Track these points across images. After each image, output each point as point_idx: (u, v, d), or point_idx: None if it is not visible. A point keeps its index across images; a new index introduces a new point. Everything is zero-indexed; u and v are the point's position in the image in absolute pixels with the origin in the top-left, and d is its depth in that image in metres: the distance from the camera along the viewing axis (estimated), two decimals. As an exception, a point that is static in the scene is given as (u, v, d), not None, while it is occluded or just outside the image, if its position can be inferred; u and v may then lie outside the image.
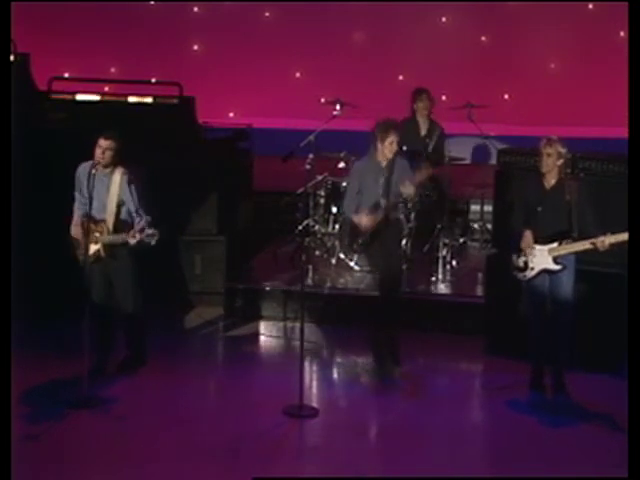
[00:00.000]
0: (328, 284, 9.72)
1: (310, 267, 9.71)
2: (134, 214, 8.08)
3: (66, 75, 13.97)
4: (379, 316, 8.63)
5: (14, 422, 7.36)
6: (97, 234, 8.03)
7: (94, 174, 7.96)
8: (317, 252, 10.00)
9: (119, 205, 8.06)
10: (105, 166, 8.04)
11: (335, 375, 8.84)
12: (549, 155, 7.88)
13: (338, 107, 10.46)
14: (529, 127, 13.21)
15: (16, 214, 9.95)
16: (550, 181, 7.96)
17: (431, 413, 8.11)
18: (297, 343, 8.59)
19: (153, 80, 13.98)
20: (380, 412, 8.11)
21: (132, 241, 7.84)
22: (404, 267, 9.38)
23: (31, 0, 13.55)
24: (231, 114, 14.35)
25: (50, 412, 7.67)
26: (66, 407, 7.71)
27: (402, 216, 9.27)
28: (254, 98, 14.06)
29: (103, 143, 8.01)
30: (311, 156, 9.19)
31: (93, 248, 8.08)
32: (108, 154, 8.01)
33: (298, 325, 9.05)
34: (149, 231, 7.81)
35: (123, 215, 8.09)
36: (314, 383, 8.46)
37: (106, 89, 13.30)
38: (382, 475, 6.94)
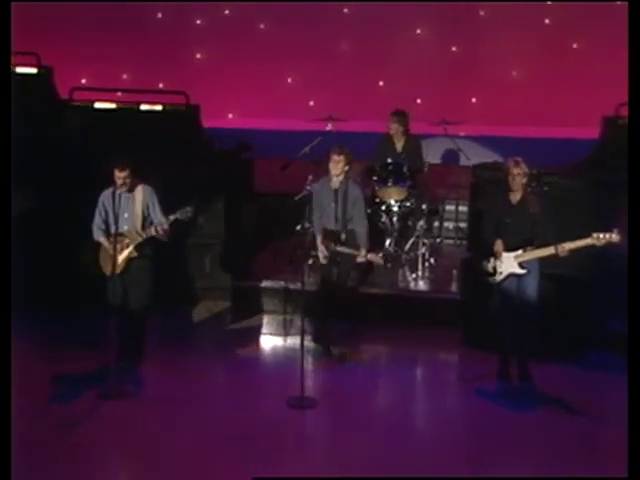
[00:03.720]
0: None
1: (307, 266, 9.57)
2: (154, 218, 8.11)
3: (83, 81, 13.89)
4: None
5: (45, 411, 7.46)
6: (127, 240, 8.04)
7: (119, 195, 8.03)
8: (313, 252, 9.79)
9: (144, 214, 8.11)
10: (128, 190, 8.06)
11: (330, 365, 8.73)
12: (518, 175, 7.89)
13: (330, 126, 10.34)
14: (494, 127, 13.23)
15: (41, 215, 10.00)
16: (516, 196, 7.98)
17: (413, 400, 8.23)
18: (296, 335, 8.64)
19: (161, 85, 13.95)
20: (369, 400, 8.09)
21: (166, 225, 7.90)
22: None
23: (48, 0, 13.48)
24: (230, 115, 14.24)
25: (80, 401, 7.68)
26: (96, 397, 7.70)
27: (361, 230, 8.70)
28: (250, 101, 13.92)
29: (120, 174, 7.98)
30: (310, 177, 9.11)
31: (125, 252, 8.05)
32: (127, 181, 8.03)
33: (297, 319, 9.17)
34: (183, 209, 7.89)
35: (147, 221, 8.13)
36: (311, 374, 8.33)
37: (119, 94, 13.29)
38: (380, 475, 6.78)
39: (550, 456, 7.06)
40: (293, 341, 8.93)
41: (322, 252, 8.54)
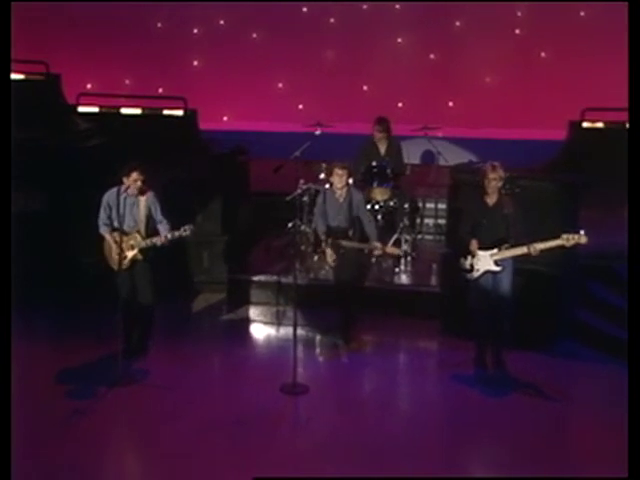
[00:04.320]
0: (311, 275, 9.59)
1: (297, 260, 9.53)
2: (158, 222, 8.06)
3: (89, 86, 13.83)
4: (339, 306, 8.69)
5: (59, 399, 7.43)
6: (132, 242, 7.97)
7: (125, 198, 7.97)
8: (302, 247, 9.80)
9: (147, 218, 8.04)
10: (139, 193, 8.00)
11: (317, 353, 8.73)
12: (494, 179, 7.88)
13: (319, 131, 10.25)
14: (469, 129, 13.28)
15: (49, 213, 9.93)
16: (492, 199, 7.97)
17: (397, 385, 8.21)
18: (288, 325, 8.62)
19: (160, 90, 13.91)
20: (356, 385, 8.10)
21: (170, 237, 7.85)
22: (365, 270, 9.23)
23: (52, 0, 13.48)
24: (225, 118, 14.19)
25: (90, 389, 7.65)
26: (104, 385, 7.66)
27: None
28: (244, 104, 13.91)
29: (138, 177, 7.93)
30: (302, 181, 9.06)
31: (130, 254, 8.00)
32: (139, 184, 7.96)
33: (288, 309, 9.19)
34: (185, 227, 7.85)
35: (151, 224, 8.07)
36: (300, 361, 8.14)
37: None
38: (380, 475, 6.60)
39: (522, 438, 7.09)
40: (285, 331, 8.91)
41: (331, 256, 8.50)
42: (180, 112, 12.45)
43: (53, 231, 9.84)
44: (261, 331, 9.24)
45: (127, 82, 14.13)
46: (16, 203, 10.07)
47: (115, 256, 7.97)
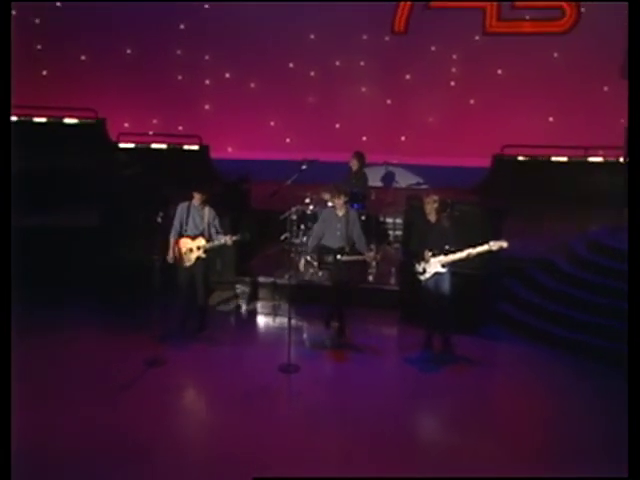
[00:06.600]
0: (300, 277, 9.37)
1: (289, 265, 9.44)
2: (216, 230, 8.21)
3: (126, 125, 13.72)
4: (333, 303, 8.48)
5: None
6: (198, 244, 8.12)
7: (193, 209, 8.20)
8: (292, 255, 9.76)
9: (208, 225, 8.20)
10: (203, 206, 8.20)
11: (306, 340, 8.62)
12: (428, 202, 8.03)
13: (305, 166, 10.19)
14: (416, 157, 13.33)
15: (101, 228, 9.88)
16: (432, 217, 8.04)
17: (366, 362, 8.13)
18: (283, 316, 8.65)
19: (180, 128, 13.83)
20: (334, 364, 8.10)
21: (230, 241, 8.10)
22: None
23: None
24: (229, 149, 14.14)
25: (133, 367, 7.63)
26: (143, 364, 7.66)
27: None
28: (244, 138, 13.87)
29: (201, 195, 8.19)
30: (293, 209, 8.97)
31: (197, 253, 8.14)
32: (204, 199, 8.18)
33: (283, 304, 9.20)
34: (243, 234, 8.18)
35: (209, 231, 8.22)
36: (293, 345, 8.05)
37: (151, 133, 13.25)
38: (380, 475, 6.15)
39: (459, 399, 7.26)
40: (281, 321, 8.91)
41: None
42: (196, 147, 12.50)
43: (101, 241, 9.79)
44: (262, 321, 9.20)
45: (155, 122, 14.02)
46: (72, 219, 10.10)
47: (184, 256, 8.14)
